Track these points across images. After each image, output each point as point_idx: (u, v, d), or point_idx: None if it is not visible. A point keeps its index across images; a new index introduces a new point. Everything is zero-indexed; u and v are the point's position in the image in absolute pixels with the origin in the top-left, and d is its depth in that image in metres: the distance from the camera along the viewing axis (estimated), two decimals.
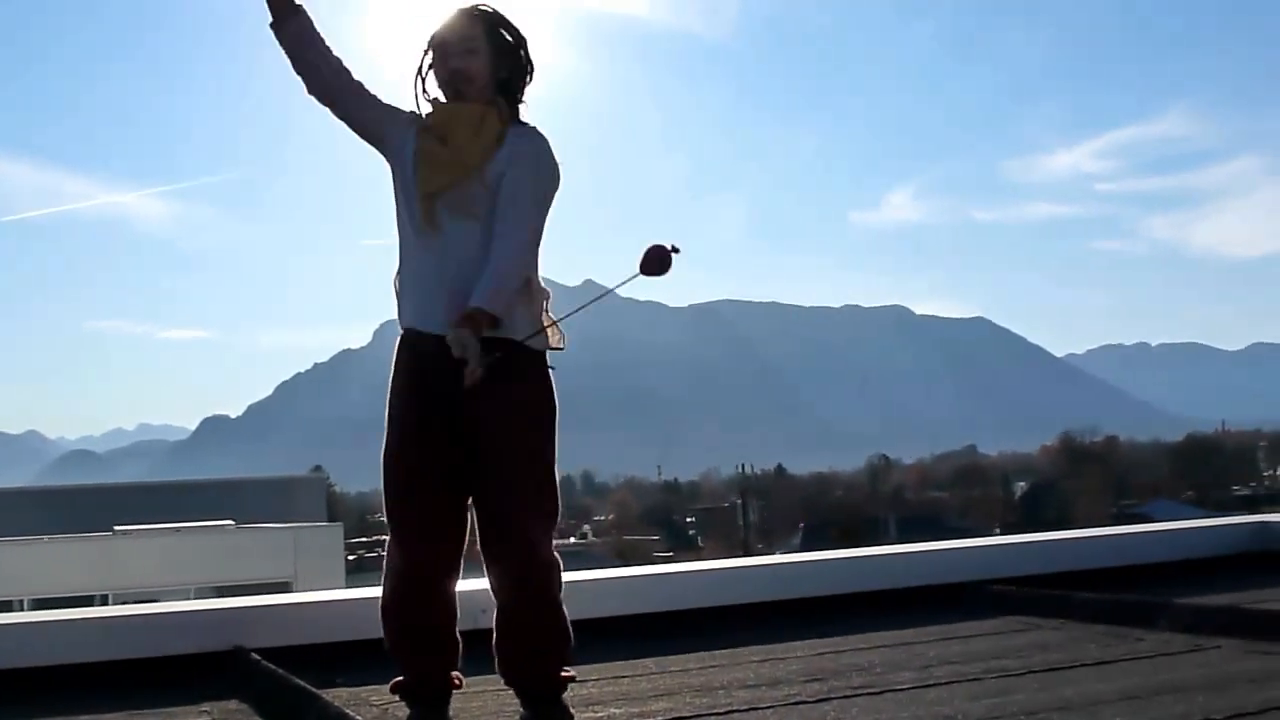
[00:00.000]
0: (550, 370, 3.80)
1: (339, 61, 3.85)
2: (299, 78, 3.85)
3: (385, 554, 3.79)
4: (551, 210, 3.81)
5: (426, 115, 3.84)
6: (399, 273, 3.83)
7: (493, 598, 3.75)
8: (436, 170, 3.73)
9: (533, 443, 3.73)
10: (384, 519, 3.76)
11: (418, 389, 3.72)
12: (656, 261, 3.68)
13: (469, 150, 3.73)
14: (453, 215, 3.69)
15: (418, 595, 3.74)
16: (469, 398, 3.57)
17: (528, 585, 3.69)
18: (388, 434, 3.76)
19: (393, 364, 3.80)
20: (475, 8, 3.84)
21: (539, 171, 3.76)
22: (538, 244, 3.77)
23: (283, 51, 3.85)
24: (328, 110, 3.86)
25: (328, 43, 3.87)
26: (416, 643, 3.77)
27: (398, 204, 3.82)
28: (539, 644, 3.71)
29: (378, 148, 3.88)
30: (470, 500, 3.74)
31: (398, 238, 3.84)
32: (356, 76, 3.87)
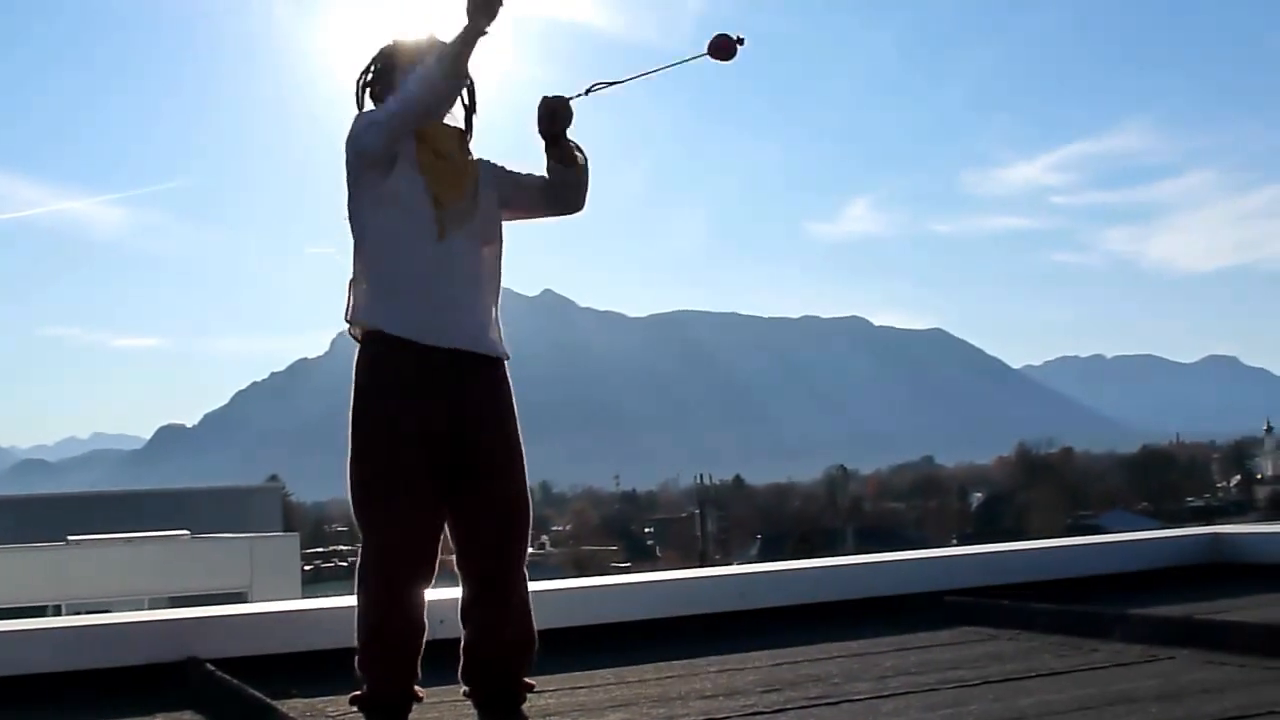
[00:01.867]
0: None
1: None
2: (426, 114, 3.75)
3: (364, 563, 3.70)
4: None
5: (428, 130, 3.84)
6: (380, 276, 3.75)
7: (465, 608, 3.76)
8: (446, 183, 3.77)
9: (510, 450, 3.79)
10: (363, 525, 3.69)
11: (420, 398, 3.68)
12: (724, 49, 3.87)
13: (466, 169, 3.84)
14: (456, 229, 3.74)
15: (403, 607, 3.68)
16: (471, 406, 3.69)
17: (511, 604, 3.74)
18: (379, 440, 3.69)
19: (374, 369, 3.72)
20: (435, 36, 3.87)
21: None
22: None
23: (448, 89, 3.75)
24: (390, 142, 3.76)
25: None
26: (394, 655, 3.71)
27: (387, 209, 3.76)
28: (515, 656, 3.76)
29: (387, 162, 3.78)
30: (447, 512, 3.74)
31: (375, 241, 3.77)
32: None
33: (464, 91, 3.90)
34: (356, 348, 3.77)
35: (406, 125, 3.70)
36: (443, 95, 3.74)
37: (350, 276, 3.80)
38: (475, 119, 3.99)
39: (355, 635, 3.70)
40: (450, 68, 3.65)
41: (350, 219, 3.81)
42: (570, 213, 4.07)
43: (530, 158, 3.94)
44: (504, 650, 3.75)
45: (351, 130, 3.76)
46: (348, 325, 3.79)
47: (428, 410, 3.67)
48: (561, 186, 3.98)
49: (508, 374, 3.84)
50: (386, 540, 3.67)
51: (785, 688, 4.41)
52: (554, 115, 3.86)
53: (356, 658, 3.71)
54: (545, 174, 3.97)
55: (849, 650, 5.18)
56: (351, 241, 3.82)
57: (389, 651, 3.70)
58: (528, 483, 3.82)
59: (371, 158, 3.72)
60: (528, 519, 3.80)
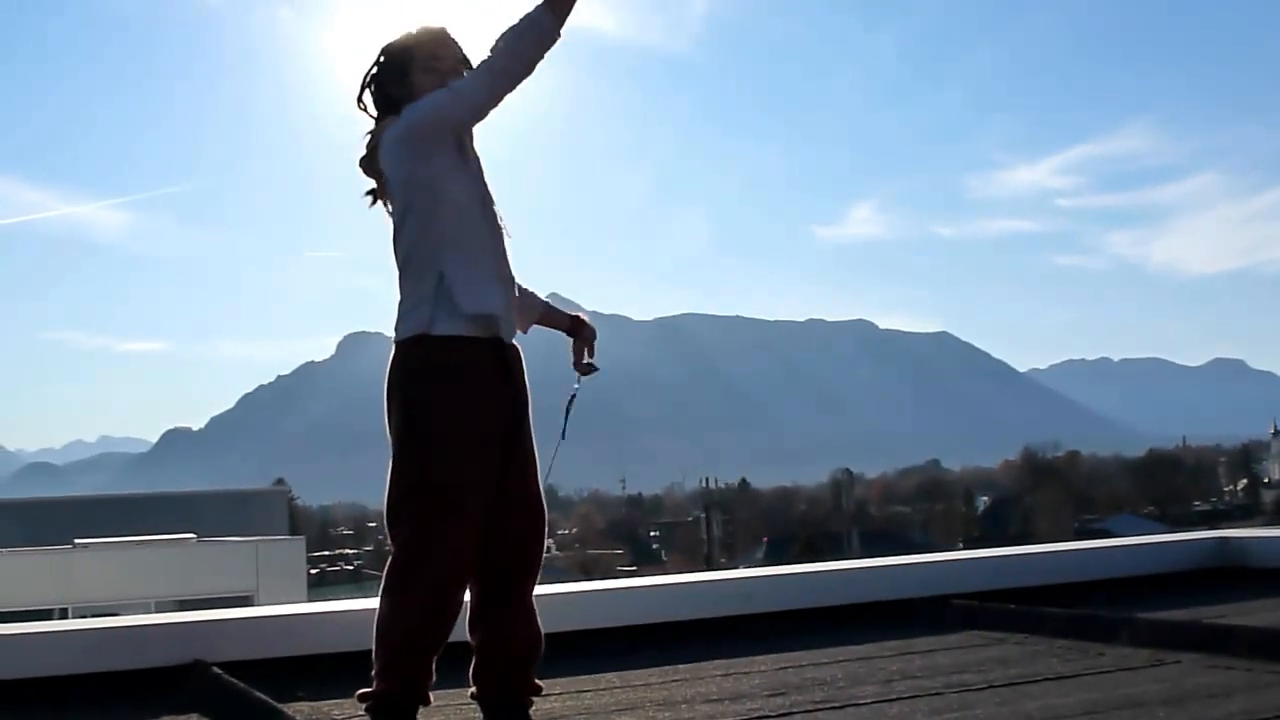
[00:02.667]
0: None
1: None
2: (518, 79, 3.62)
3: (410, 564, 3.60)
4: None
5: None
6: (461, 264, 3.64)
7: (479, 609, 3.75)
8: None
9: (538, 477, 3.84)
10: (418, 526, 3.59)
11: (507, 396, 3.70)
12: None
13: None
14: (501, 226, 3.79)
15: (450, 607, 3.65)
16: (523, 420, 3.74)
17: (518, 593, 3.75)
18: (459, 434, 3.60)
19: (453, 361, 3.62)
20: (445, 29, 3.87)
21: None
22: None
23: (539, 55, 3.60)
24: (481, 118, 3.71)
25: None
26: (428, 655, 3.66)
27: (457, 193, 3.68)
28: (528, 657, 3.76)
29: (455, 144, 3.72)
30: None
31: (457, 206, 3.67)
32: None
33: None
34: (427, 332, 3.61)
35: (512, 86, 3.58)
36: (546, 51, 3.59)
37: (412, 255, 3.66)
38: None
39: (386, 634, 3.59)
40: (560, 19, 3.55)
41: (419, 188, 3.64)
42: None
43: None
44: (518, 651, 3.74)
45: (429, 103, 3.64)
46: (432, 309, 3.60)
47: (512, 407, 3.72)
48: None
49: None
50: (453, 531, 3.58)
51: (790, 691, 4.41)
52: None
53: (384, 659, 3.60)
54: None
55: (854, 654, 5.18)
56: (399, 217, 3.69)
57: (423, 656, 3.64)
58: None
59: (466, 124, 3.67)
60: (545, 519, 3.83)
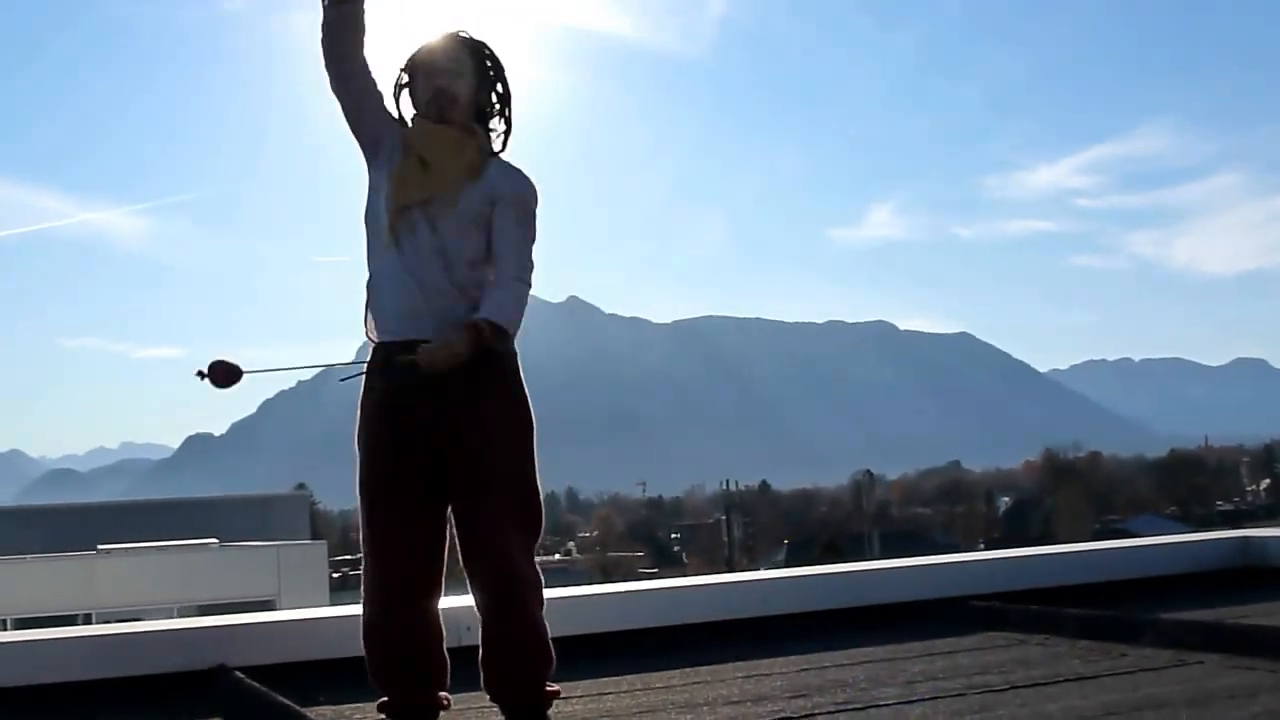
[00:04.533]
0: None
1: (365, 58, 3.90)
2: (327, 56, 3.85)
3: (362, 574, 3.78)
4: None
5: (409, 131, 3.87)
6: (367, 283, 3.83)
7: (477, 614, 3.74)
8: (410, 186, 3.75)
9: (512, 457, 3.74)
10: (361, 539, 3.76)
11: (390, 407, 3.72)
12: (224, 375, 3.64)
13: (448, 172, 3.77)
14: (413, 233, 3.72)
15: (399, 614, 3.71)
16: (447, 411, 3.63)
17: (508, 603, 3.69)
18: (362, 451, 3.77)
19: (363, 378, 3.79)
20: (460, 33, 3.89)
21: (529, 216, 3.85)
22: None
23: (322, 25, 3.83)
24: (338, 98, 3.88)
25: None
26: (398, 663, 3.74)
27: (370, 212, 3.85)
28: (520, 661, 3.70)
29: (368, 149, 3.90)
30: (450, 515, 3.75)
31: (366, 247, 3.86)
32: (370, 71, 3.91)
33: (482, 85, 3.92)
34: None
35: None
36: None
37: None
38: (506, 113, 3.97)
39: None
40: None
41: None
42: None
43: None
44: (512, 662, 3.71)
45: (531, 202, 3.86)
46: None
47: (401, 411, 3.71)
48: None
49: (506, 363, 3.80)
50: (373, 546, 3.74)
51: (812, 693, 4.40)
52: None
53: (367, 666, 3.78)
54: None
55: (875, 656, 5.17)
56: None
57: (385, 659, 3.74)
58: (523, 473, 3.76)
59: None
60: (516, 514, 3.72)
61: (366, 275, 3.84)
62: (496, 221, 3.78)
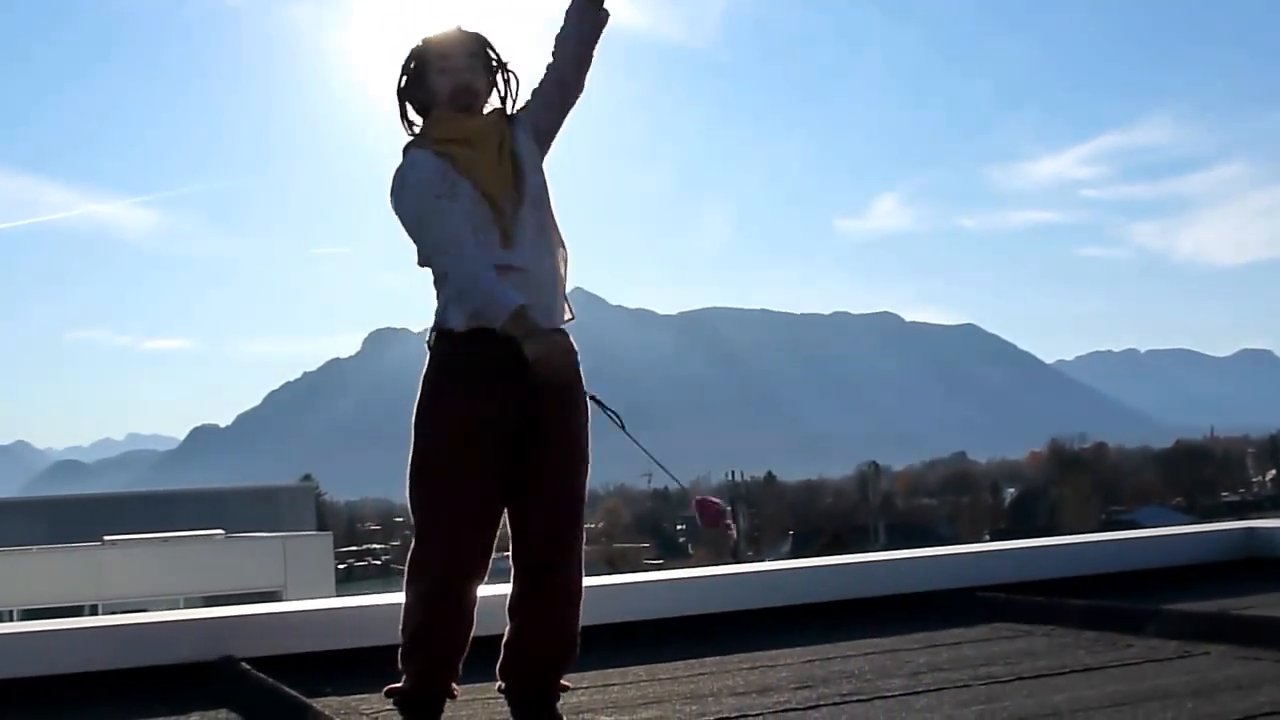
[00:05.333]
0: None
1: None
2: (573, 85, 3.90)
3: (415, 557, 3.67)
4: None
5: (438, 127, 3.82)
6: (471, 272, 3.62)
7: (508, 611, 3.74)
8: (500, 180, 3.73)
9: (583, 475, 3.78)
10: (418, 517, 3.67)
11: (490, 390, 3.64)
12: None
13: (503, 163, 3.76)
14: (520, 226, 3.70)
15: (455, 601, 3.66)
16: (540, 414, 3.65)
17: (558, 616, 3.73)
18: (444, 432, 3.65)
19: (449, 359, 3.67)
20: (460, 26, 3.88)
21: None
22: None
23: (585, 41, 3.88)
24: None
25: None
26: (440, 653, 3.69)
27: (456, 211, 3.67)
28: (555, 655, 3.74)
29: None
30: (506, 513, 3.73)
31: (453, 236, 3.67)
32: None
33: (491, 77, 3.90)
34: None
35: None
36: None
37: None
38: (514, 101, 3.94)
39: (402, 627, 3.68)
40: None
41: None
42: (572, 96, 3.93)
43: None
44: (546, 651, 3.73)
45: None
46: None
47: (506, 401, 3.65)
48: (576, 39, 3.85)
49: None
50: (446, 528, 3.65)
51: (817, 684, 4.41)
52: None
53: (400, 651, 3.69)
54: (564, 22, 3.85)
55: (881, 647, 5.17)
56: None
57: (436, 649, 3.68)
58: (584, 491, 3.79)
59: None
60: (578, 530, 3.77)
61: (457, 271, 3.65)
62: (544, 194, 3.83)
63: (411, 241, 3.74)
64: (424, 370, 3.72)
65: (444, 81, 3.82)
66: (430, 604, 3.66)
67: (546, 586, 3.73)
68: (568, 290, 3.83)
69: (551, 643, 3.73)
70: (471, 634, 3.73)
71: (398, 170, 3.77)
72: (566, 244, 3.83)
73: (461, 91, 3.82)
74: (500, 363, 3.58)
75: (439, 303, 3.72)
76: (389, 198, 3.76)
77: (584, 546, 3.80)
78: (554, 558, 3.72)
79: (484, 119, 3.85)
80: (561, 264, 3.80)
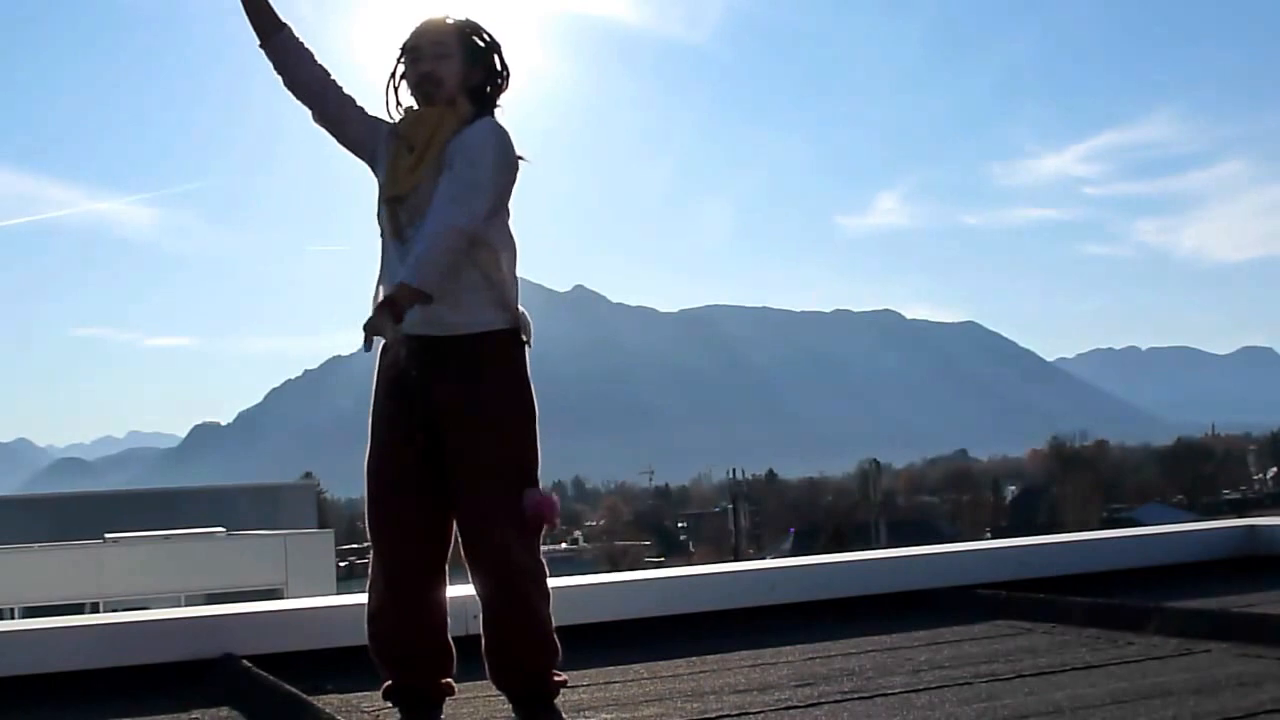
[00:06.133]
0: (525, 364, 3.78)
1: (326, 74, 3.91)
2: (291, 94, 3.91)
3: (369, 562, 3.80)
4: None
5: (398, 122, 3.88)
6: (378, 279, 3.81)
7: (478, 603, 3.74)
8: (398, 176, 3.74)
9: (507, 443, 3.69)
10: (365, 527, 3.77)
11: (393, 392, 3.74)
12: None
13: (428, 154, 3.72)
14: (411, 221, 3.68)
15: (401, 602, 3.72)
16: (447, 396, 3.63)
17: (506, 594, 3.66)
18: (369, 435, 3.79)
19: (374, 370, 3.81)
20: (448, 16, 3.88)
21: (485, 153, 3.70)
22: (485, 219, 3.66)
23: (272, 68, 3.91)
24: (322, 128, 3.93)
25: (316, 56, 3.93)
26: (400, 650, 3.74)
27: (378, 211, 3.84)
28: (521, 649, 3.69)
29: (365, 159, 3.93)
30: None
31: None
32: (340, 87, 3.92)
33: (472, 63, 3.87)
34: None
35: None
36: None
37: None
38: (501, 87, 3.92)
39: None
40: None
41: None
42: None
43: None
44: (513, 652, 3.70)
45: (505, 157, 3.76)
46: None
47: (403, 400, 3.72)
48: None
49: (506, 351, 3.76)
50: (376, 534, 3.76)
51: (818, 682, 4.41)
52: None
53: (370, 651, 3.82)
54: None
55: (882, 644, 5.17)
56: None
57: (388, 645, 3.75)
58: (519, 459, 3.70)
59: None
60: (512, 502, 3.64)
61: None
62: (456, 157, 3.69)
63: None
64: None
65: (410, 72, 3.86)
66: (385, 602, 3.75)
67: (490, 602, 3.68)
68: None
69: (520, 629, 3.66)
70: (446, 629, 3.76)
71: None
72: (516, 240, 3.81)
73: (422, 80, 3.83)
74: (400, 363, 3.71)
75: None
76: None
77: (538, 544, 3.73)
78: (491, 530, 3.64)
79: (428, 112, 3.81)
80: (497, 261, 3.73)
